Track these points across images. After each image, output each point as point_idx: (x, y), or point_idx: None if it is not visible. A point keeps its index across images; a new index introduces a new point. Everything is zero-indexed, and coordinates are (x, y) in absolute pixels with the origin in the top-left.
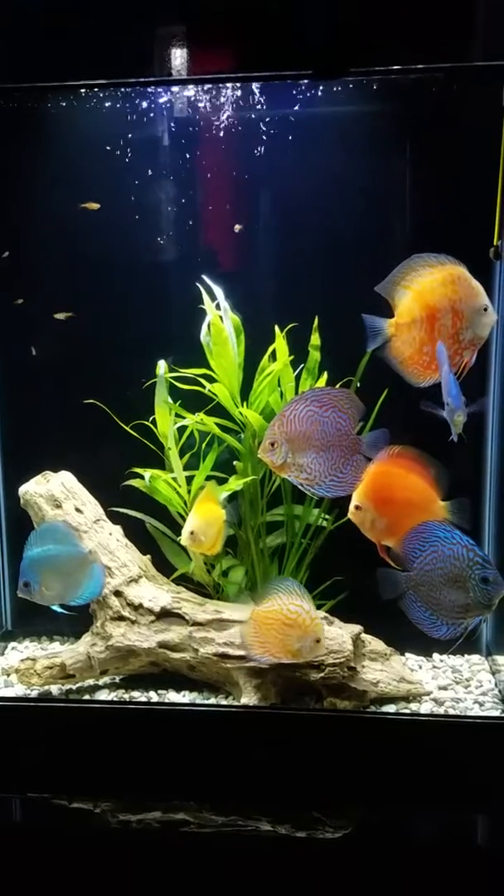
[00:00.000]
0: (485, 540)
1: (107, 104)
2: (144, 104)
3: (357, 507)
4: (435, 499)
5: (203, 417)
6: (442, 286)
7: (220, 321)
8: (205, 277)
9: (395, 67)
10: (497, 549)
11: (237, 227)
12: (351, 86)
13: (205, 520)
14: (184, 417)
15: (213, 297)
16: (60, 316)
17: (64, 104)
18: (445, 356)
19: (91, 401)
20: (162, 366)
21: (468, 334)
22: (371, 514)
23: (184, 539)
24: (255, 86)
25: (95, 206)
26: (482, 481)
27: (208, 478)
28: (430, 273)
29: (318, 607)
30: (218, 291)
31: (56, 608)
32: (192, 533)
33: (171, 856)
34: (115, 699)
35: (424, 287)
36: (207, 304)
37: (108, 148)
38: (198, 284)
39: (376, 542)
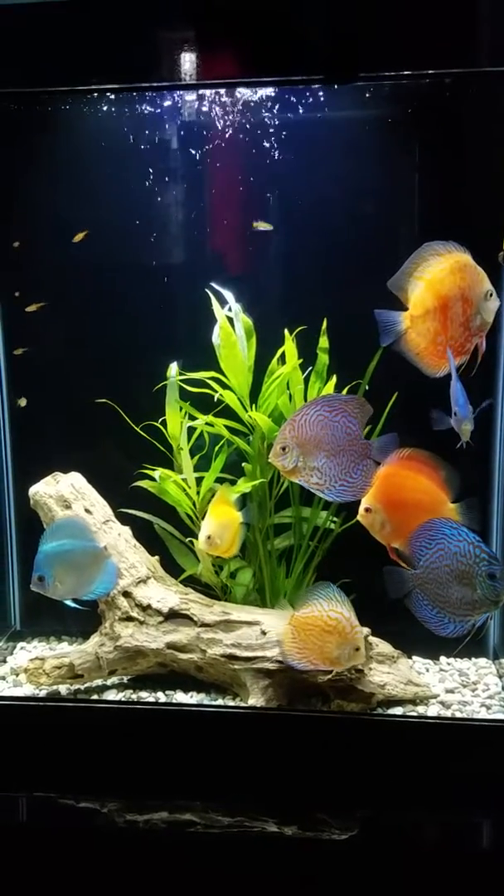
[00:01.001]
0: (492, 538)
1: (120, 108)
2: (155, 109)
3: (367, 510)
4: (445, 500)
5: (212, 419)
6: (451, 275)
7: (228, 324)
8: (213, 285)
9: (405, 72)
10: None
11: (263, 226)
12: (359, 90)
13: (220, 523)
14: (194, 418)
15: (223, 300)
16: (32, 307)
17: (77, 108)
18: (454, 365)
19: (103, 400)
20: (173, 367)
21: (477, 321)
22: (381, 516)
23: (201, 544)
24: (263, 90)
25: (81, 235)
26: (490, 479)
27: (217, 479)
28: (439, 262)
29: None
30: (229, 295)
31: (68, 602)
32: (208, 537)
33: (177, 856)
34: (122, 699)
35: (435, 277)
36: (216, 308)
37: (121, 152)
38: (208, 289)
39: (386, 544)
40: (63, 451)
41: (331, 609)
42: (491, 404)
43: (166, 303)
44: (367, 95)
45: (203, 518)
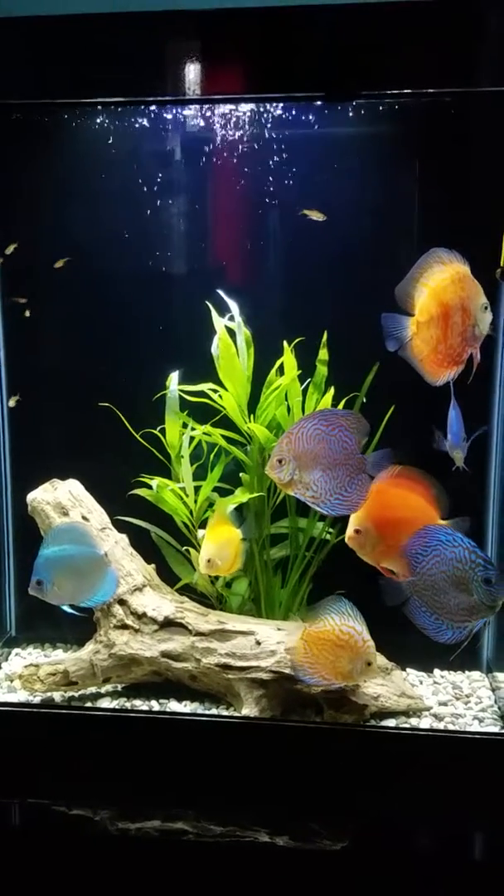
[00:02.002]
0: (488, 545)
1: (122, 120)
2: (156, 122)
3: (357, 531)
4: (435, 517)
5: (210, 429)
6: (452, 284)
7: (227, 335)
8: (220, 292)
9: (407, 91)
10: (500, 553)
11: (316, 215)
12: (362, 106)
13: (219, 544)
14: (194, 428)
15: (222, 311)
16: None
17: (78, 119)
18: (453, 394)
19: (105, 404)
20: (174, 377)
21: (474, 331)
22: (372, 536)
23: (202, 568)
24: (266, 104)
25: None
26: (486, 493)
27: (215, 489)
28: (442, 271)
29: None
30: (233, 305)
31: (66, 608)
32: (209, 561)
33: (169, 864)
34: (116, 707)
35: (438, 285)
36: (216, 319)
37: (124, 164)
38: (210, 299)
39: (375, 564)
40: (61, 458)
41: (343, 623)
42: (486, 430)
43: (167, 312)
44: (368, 111)
45: (200, 536)
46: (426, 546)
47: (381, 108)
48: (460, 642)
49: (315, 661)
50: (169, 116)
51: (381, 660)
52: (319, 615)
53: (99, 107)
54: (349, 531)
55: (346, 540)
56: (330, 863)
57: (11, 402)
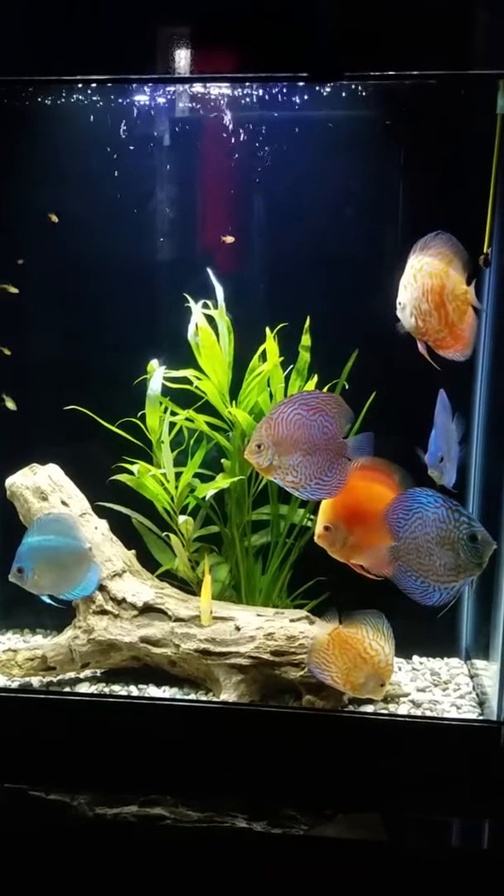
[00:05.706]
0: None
1: (103, 102)
2: (140, 103)
3: (326, 528)
4: None
5: (192, 414)
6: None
7: (206, 322)
8: (208, 270)
9: (391, 73)
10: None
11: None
12: (345, 90)
13: (210, 597)
14: (175, 413)
15: (207, 294)
16: None
17: (61, 100)
18: (439, 410)
19: (73, 407)
20: (155, 363)
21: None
22: (342, 531)
23: (208, 625)
24: (248, 87)
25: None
26: (466, 486)
27: (196, 475)
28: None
29: (300, 607)
30: (218, 289)
31: (45, 598)
32: (211, 612)
33: (146, 850)
34: (95, 692)
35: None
36: (193, 305)
37: (103, 146)
38: (194, 283)
39: (346, 561)
40: (42, 443)
41: (374, 639)
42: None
43: (150, 298)
44: (353, 96)
45: (182, 521)
46: (408, 510)
47: (364, 90)
48: (446, 603)
49: (331, 662)
50: (156, 99)
51: None
52: (356, 622)
53: (71, 87)
54: (318, 528)
55: (315, 539)
56: (307, 848)
57: (10, 405)
